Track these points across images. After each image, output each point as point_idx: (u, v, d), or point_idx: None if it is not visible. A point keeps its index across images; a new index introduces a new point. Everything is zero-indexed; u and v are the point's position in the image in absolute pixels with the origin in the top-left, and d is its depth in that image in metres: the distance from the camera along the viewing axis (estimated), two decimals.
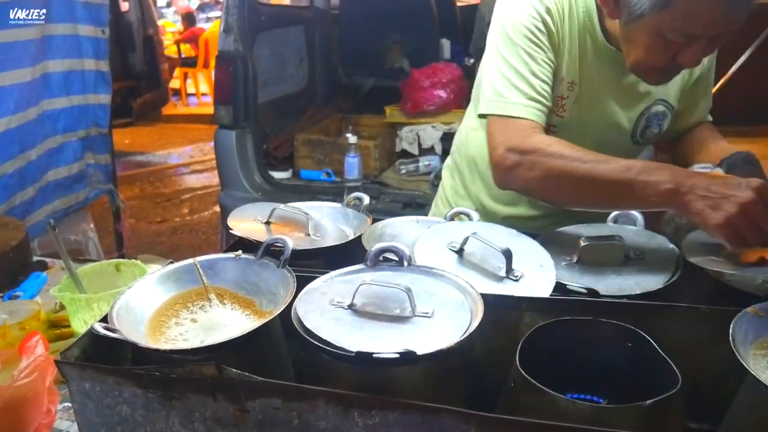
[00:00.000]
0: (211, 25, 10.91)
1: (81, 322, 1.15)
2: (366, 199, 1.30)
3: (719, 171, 1.20)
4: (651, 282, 1.01)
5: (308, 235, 1.19)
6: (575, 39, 1.31)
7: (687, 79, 1.42)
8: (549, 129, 1.34)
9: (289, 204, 1.25)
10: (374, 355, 0.71)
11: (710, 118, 1.56)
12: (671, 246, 1.12)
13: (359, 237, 1.16)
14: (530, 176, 1.18)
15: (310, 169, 3.34)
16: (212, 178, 6.02)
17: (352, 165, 3.12)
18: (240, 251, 1.01)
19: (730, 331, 0.78)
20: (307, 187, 3.19)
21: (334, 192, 3.02)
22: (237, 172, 3.00)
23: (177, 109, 9.66)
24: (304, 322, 0.79)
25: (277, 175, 3.27)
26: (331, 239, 1.20)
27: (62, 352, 0.81)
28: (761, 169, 1.24)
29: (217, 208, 5.14)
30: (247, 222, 1.21)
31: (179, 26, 12.26)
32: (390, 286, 0.85)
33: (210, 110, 9.57)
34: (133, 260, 1.27)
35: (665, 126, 1.44)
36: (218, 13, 14.31)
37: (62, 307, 1.35)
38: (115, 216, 3.00)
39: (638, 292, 0.97)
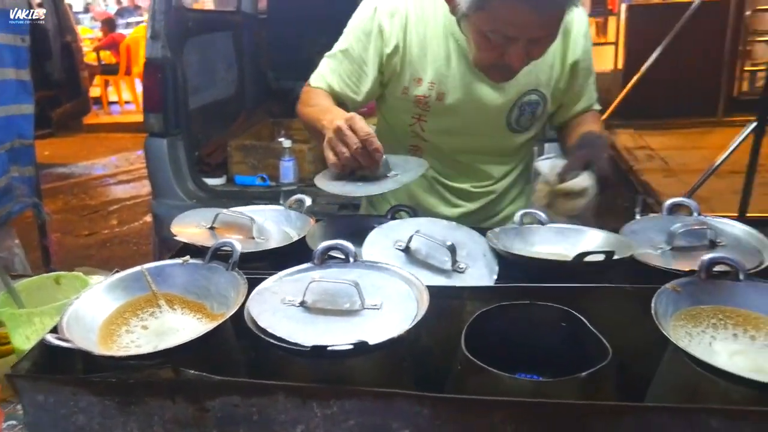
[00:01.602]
0: (131, 30, 10.62)
1: (23, 338, 1.13)
2: (308, 201, 1.33)
3: (557, 161, 1.32)
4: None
5: (253, 238, 1.21)
6: (439, 41, 1.43)
7: (559, 69, 1.49)
8: (417, 126, 1.52)
9: (232, 208, 1.26)
10: (328, 348, 0.74)
11: (597, 107, 1.63)
12: (598, 234, 1.20)
13: (303, 237, 1.18)
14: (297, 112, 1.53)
15: (244, 174, 3.32)
16: (140, 188, 5.87)
17: (288, 169, 3.13)
18: (188, 257, 1.02)
19: (652, 306, 0.85)
20: (243, 192, 3.18)
21: (270, 197, 3.01)
22: (170, 180, 2.96)
23: (99, 118, 9.35)
24: (258, 322, 0.82)
25: (211, 181, 3.24)
26: (275, 241, 1.22)
27: (13, 366, 0.80)
28: (596, 146, 1.36)
29: (148, 218, 5.02)
30: (190, 228, 1.22)
31: (97, 32, 11.85)
32: (338, 281, 0.89)
33: (134, 118, 9.28)
34: (74, 272, 1.26)
35: (539, 112, 1.52)
36: (138, 19, 13.96)
37: (0, 325, 1.32)
38: (41, 230, 2.89)
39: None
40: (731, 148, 3.83)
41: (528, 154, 1.67)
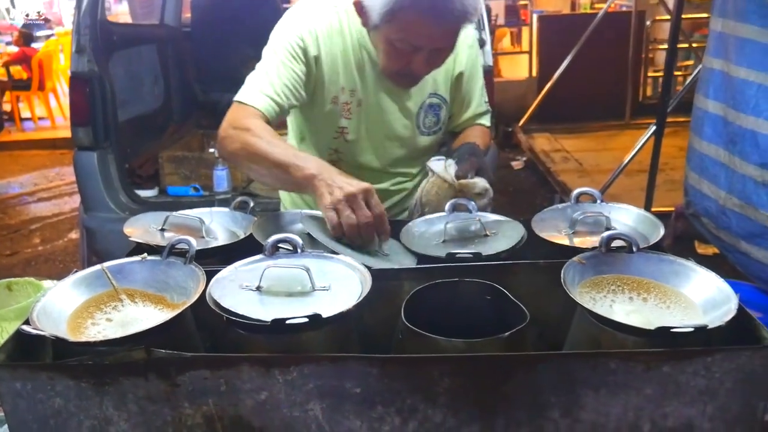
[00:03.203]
0: (42, 45, 10.24)
1: None
2: (251, 202, 1.42)
3: (451, 162, 1.48)
4: (502, 246, 1.22)
5: (203, 237, 1.29)
6: (351, 53, 1.56)
7: (451, 76, 1.67)
8: (340, 131, 1.61)
9: (180, 211, 1.34)
10: (287, 321, 0.84)
11: (486, 123, 1.79)
12: (513, 223, 1.35)
13: (251, 235, 1.27)
14: (231, 148, 1.42)
15: (176, 185, 3.34)
16: (62, 205, 5.72)
17: (221, 178, 3.18)
18: (145, 254, 1.10)
19: (561, 276, 1.00)
20: (176, 203, 3.19)
21: (204, 206, 3.04)
22: (101, 193, 2.95)
23: (11, 135, 8.96)
24: (221, 303, 0.91)
25: (144, 193, 3.24)
26: (224, 240, 1.31)
27: None
28: (482, 157, 1.55)
29: (73, 235, 4.92)
30: (141, 230, 1.29)
31: (5, 48, 11.36)
32: (291, 267, 0.99)
33: (49, 135, 8.94)
34: (26, 278, 1.31)
35: (442, 115, 1.69)
36: (48, 32, 13.47)
37: None
38: None
39: (497, 251, 1.18)
40: (635, 150, 4.15)
41: (432, 156, 1.82)
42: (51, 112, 9.09)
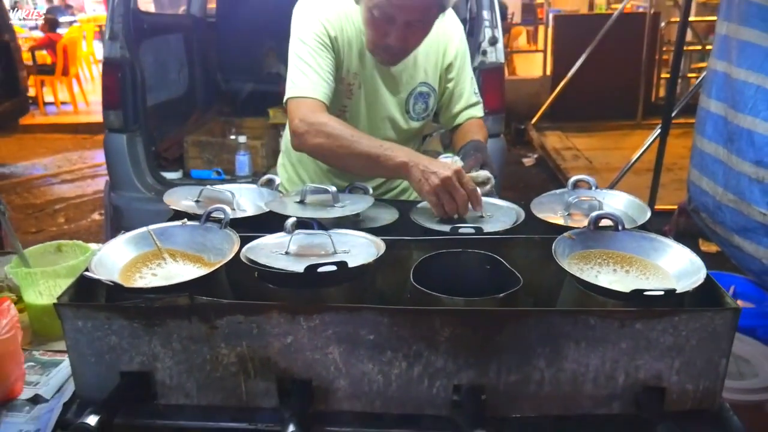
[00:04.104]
0: (66, 30, 10.44)
1: (36, 294, 1.32)
2: (277, 180, 1.56)
3: (458, 159, 1.59)
4: (502, 224, 1.35)
5: (233, 210, 1.42)
6: (355, 41, 1.68)
7: (441, 67, 1.80)
8: (342, 109, 1.73)
9: (214, 186, 1.48)
10: (319, 269, 0.98)
11: (479, 114, 1.89)
12: (513, 206, 1.48)
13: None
14: (314, 142, 1.53)
15: (200, 168, 3.50)
16: (85, 188, 5.90)
17: (243, 162, 3.32)
18: (185, 219, 1.24)
19: (553, 248, 1.13)
20: (199, 185, 3.34)
21: None
22: (129, 174, 3.11)
23: (35, 119, 9.17)
24: (257, 260, 1.05)
25: (168, 175, 3.40)
26: (252, 212, 1.45)
27: (58, 298, 1.01)
28: (485, 151, 1.68)
29: (96, 216, 5.10)
30: (178, 201, 1.43)
31: (30, 32, 11.59)
32: (316, 233, 1.13)
33: (72, 119, 9.11)
34: (75, 241, 1.45)
35: (431, 103, 1.82)
36: (70, 18, 13.70)
37: (0, 290, 1.49)
38: None
39: (497, 229, 1.32)
40: (643, 149, 4.25)
41: (419, 141, 1.97)
42: (74, 97, 9.30)
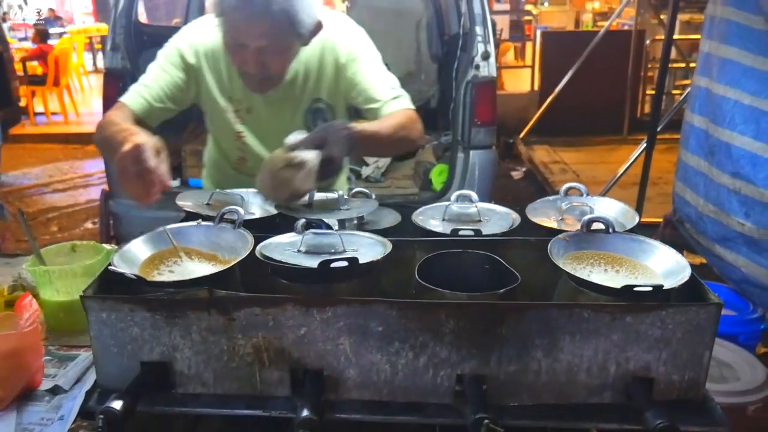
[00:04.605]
0: (56, 42, 10.47)
1: (53, 291, 1.37)
2: None
3: (299, 135, 1.46)
4: (499, 227, 1.43)
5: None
6: (233, 68, 1.67)
7: (333, 76, 1.75)
8: (238, 135, 1.79)
9: (225, 190, 1.54)
10: (331, 264, 1.05)
11: (404, 106, 1.72)
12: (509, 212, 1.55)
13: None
14: (96, 137, 1.61)
15: (197, 177, 3.53)
16: (77, 197, 5.92)
17: None
18: (200, 219, 1.30)
19: (548, 249, 1.20)
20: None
21: None
22: None
23: (25, 128, 9.17)
24: (272, 257, 1.12)
25: None
26: (260, 215, 1.51)
27: (84, 291, 1.07)
28: (343, 137, 1.46)
29: (89, 225, 5.12)
30: (191, 203, 1.49)
31: (20, 43, 11.60)
32: (326, 233, 1.20)
33: (61, 129, 9.09)
34: (89, 242, 1.51)
35: (330, 118, 1.79)
36: (61, 29, 13.72)
37: (14, 290, 1.54)
38: None
39: (495, 231, 1.39)
40: (629, 163, 4.37)
41: None
42: (64, 107, 9.32)
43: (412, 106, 1.73)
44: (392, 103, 1.71)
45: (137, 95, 1.67)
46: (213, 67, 1.71)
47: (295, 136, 1.46)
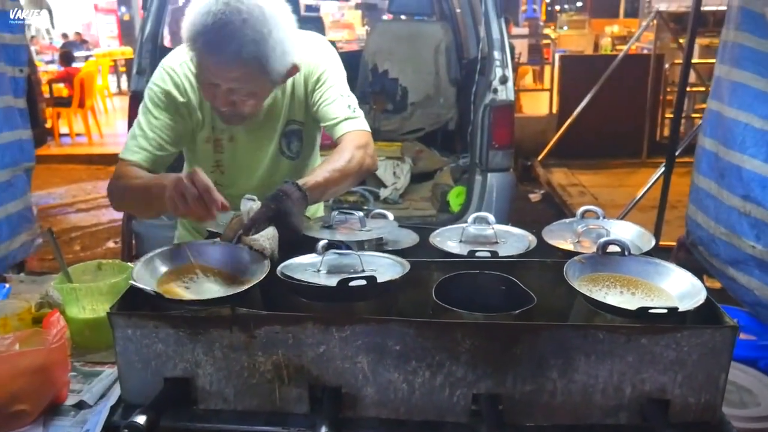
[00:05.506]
0: (82, 65, 10.72)
1: (79, 308, 1.41)
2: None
3: (254, 207, 1.40)
4: (516, 249, 1.44)
5: None
6: None
7: (303, 99, 1.75)
8: (216, 165, 1.77)
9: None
10: (350, 283, 1.07)
11: (357, 127, 1.70)
12: (525, 234, 1.56)
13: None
14: (115, 199, 1.65)
15: None
16: (100, 217, 6.01)
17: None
18: (217, 239, 1.34)
19: (564, 271, 1.22)
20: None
21: None
22: None
23: (50, 149, 9.38)
24: (294, 276, 1.15)
25: None
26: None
27: (111, 308, 1.10)
28: (285, 201, 1.41)
29: (112, 244, 5.20)
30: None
31: (46, 66, 11.89)
32: (345, 253, 1.23)
33: (85, 150, 9.23)
34: (114, 260, 1.56)
35: (305, 138, 1.80)
36: (87, 53, 14.05)
37: (41, 307, 1.58)
38: None
39: (511, 253, 1.41)
40: (647, 186, 4.36)
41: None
42: (89, 128, 9.51)
43: (367, 128, 1.74)
44: (346, 124, 1.70)
45: (137, 149, 1.63)
46: (199, 100, 1.68)
47: (247, 204, 1.42)
